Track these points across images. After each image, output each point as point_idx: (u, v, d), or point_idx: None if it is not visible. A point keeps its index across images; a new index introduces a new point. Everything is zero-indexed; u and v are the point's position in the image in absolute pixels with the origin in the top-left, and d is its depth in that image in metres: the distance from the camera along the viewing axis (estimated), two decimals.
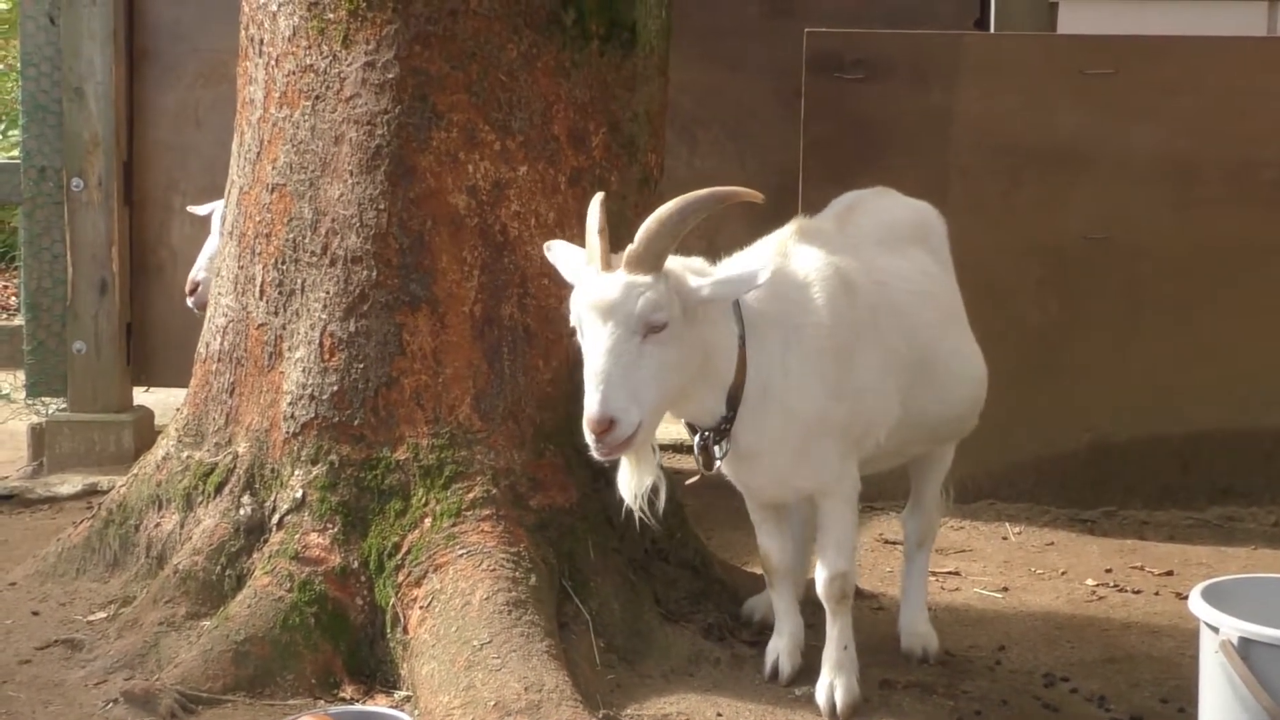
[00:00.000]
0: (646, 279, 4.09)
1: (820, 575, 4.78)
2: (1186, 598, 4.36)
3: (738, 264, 4.62)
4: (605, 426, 4.03)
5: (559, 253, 4.61)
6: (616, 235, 5.71)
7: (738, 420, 4.48)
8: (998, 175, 7.38)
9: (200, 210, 7.33)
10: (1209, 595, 4.29)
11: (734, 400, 4.43)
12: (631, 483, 4.50)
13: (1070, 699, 5.09)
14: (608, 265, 4.18)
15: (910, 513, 5.53)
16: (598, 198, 4.40)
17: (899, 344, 4.81)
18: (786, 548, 5.04)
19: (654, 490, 4.52)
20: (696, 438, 4.59)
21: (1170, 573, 6.39)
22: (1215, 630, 4.15)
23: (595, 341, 4.08)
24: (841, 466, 4.71)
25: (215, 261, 6.33)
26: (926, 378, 4.92)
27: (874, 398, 4.72)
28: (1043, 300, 7.35)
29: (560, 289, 5.55)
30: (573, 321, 4.24)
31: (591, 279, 4.17)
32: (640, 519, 4.65)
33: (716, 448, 4.53)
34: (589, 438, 4.07)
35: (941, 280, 5.31)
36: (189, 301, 6.99)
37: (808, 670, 4.99)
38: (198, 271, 7.00)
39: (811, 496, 4.83)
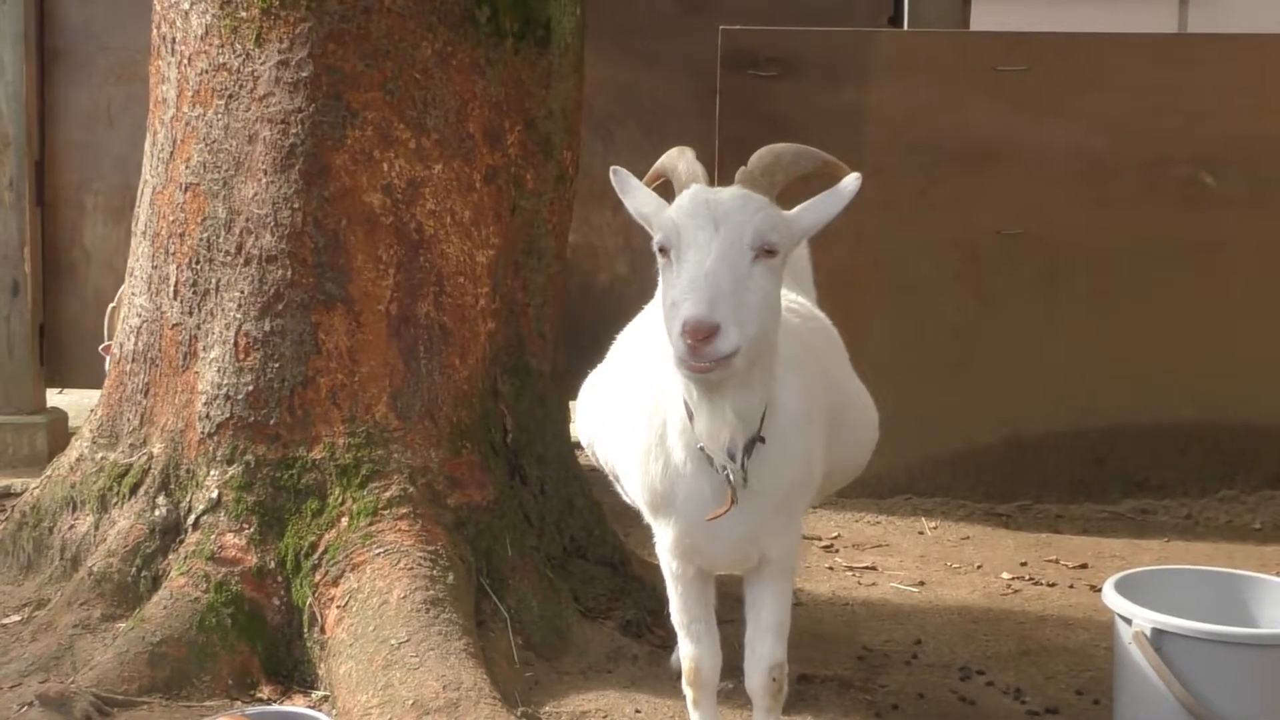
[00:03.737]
0: (764, 197, 3.70)
1: (756, 666, 4.21)
2: (1100, 590, 4.40)
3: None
4: (709, 331, 3.43)
5: (633, 190, 4.08)
6: (530, 234, 5.74)
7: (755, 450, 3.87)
8: (912, 172, 7.44)
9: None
10: (1122, 587, 4.34)
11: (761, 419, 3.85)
12: (714, 428, 3.79)
13: (986, 692, 5.13)
14: (706, 184, 3.80)
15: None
16: (686, 154, 4.02)
17: (823, 392, 4.26)
18: (718, 655, 4.34)
19: (741, 447, 3.84)
20: (729, 461, 3.82)
21: (1085, 565, 6.45)
22: (1129, 622, 4.20)
23: (701, 249, 3.55)
24: (797, 532, 4.27)
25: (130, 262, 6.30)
26: (839, 427, 4.37)
27: (820, 450, 4.21)
28: (958, 296, 7.41)
29: (477, 287, 5.58)
30: (660, 239, 3.68)
31: (699, 192, 3.71)
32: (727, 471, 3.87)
33: (744, 462, 3.84)
34: (680, 347, 3.47)
35: (827, 325, 4.83)
36: (107, 367, 6.95)
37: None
38: (112, 337, 6.94)
39: (754, 571, 4.21)
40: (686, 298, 3.47)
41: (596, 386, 4.82)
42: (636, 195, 4.02)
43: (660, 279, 3.73)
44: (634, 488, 4.22)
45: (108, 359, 6.53)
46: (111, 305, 6.80)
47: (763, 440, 3.82)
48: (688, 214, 3.63)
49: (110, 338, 6.87)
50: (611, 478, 4.70)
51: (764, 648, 4.20)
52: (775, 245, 3.63)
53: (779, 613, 4.21)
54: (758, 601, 4.23)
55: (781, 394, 3.90)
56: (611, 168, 4.16)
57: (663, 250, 3.66)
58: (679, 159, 3.95)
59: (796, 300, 4.57)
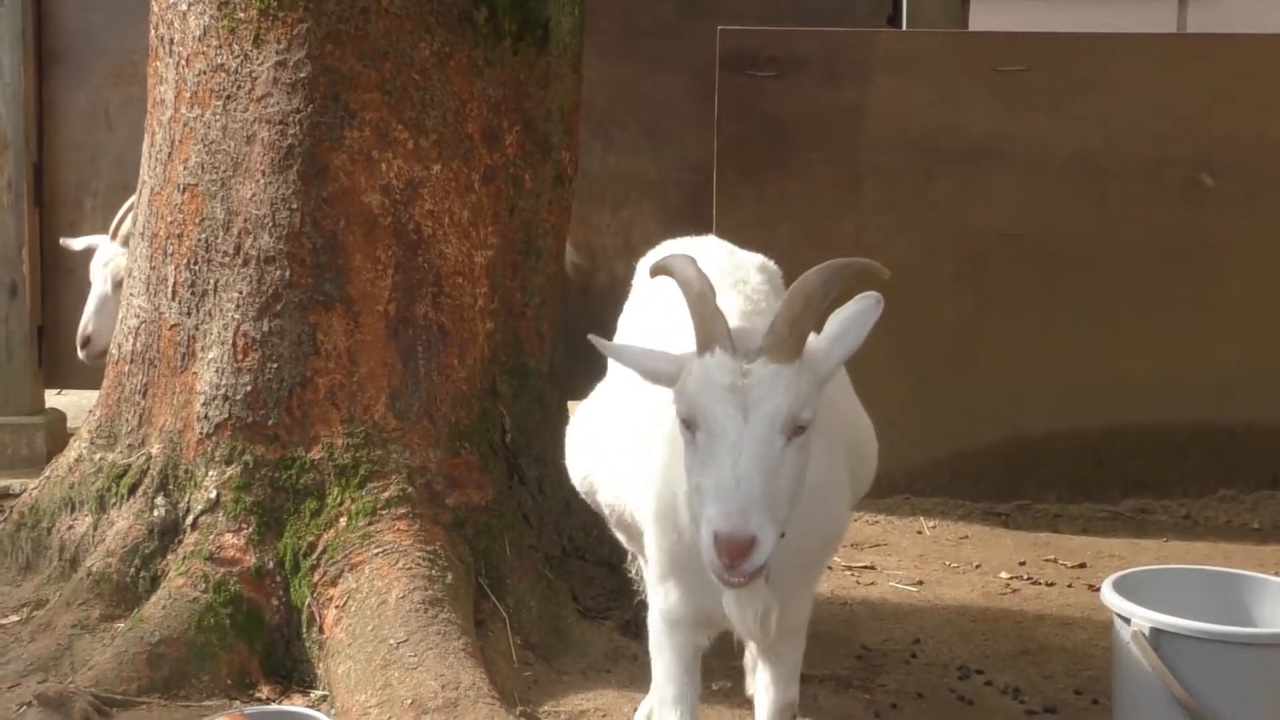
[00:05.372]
0: (793, 367, 3.27)
1: (770, 707, 3.98)
2: (1099, 589, 4.41)
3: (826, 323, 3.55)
4: (745, 547, 3.10)
5: (622, 351, 3.63)
6: (528, 234, 5.74)
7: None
8: (911, 172, 7.44)
9: (74, 244, 7.28)
10: (1121, 587, 4.35)
11: None
12: (749, 609, 3.57)
13: (985, 691, 5.14)
14: (733, 347, 3.30)
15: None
16: (686, 260, 3.52)
17: (841, 436, 3.92)
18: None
19: (767, 612, 3.61)
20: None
21: (1083, 565, 6.46)
22: (1128, 621, 4.20)
23: (729, 441, 3.17)
24: (813, 593, 3.97)
25: (105, 320, 6.36)
26: (855, 463, 4.05)
27: (844, 502, 3.91)
28: (958, 296, 7.41)
29: (475, 287, 5.59)
30: (683, 412, 3.30)
31: (722, 365, 3.27)
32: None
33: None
34: (714, 562, 3.14)
35: None
36: (81, 354, 6.95)
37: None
38: (86, 325, 6.95)
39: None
40: (716, 505, 3.13)
41: (588, 421, 4.48)
42: (635, 358, 3.54)
43: (684, 448, 3.34)
44: (650, 549, 3.82)
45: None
46: (127, 204, 6.76)
47: (782, 535, 3.30)
48: (713, 398, 3.24)
49: (115, 235, 6.89)
50: (611, 524, 4.37)
51: (778, 689, 3.96)
52: (808, 421, 3.28)
53: (795, 659, 3.97)
54: (776, 652, 3.93)
55: (816, 475, 3.48)
56: (590, 336, 3.67)
57: (684, 421, 3.31)
58: (689, 271, 3.45)
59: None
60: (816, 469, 3.46)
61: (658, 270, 3.67)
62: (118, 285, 6.60)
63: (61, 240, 7.47)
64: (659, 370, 3.45)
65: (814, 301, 3.34)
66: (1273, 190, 7.38)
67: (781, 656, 3.94)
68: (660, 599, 3.87)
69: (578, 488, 4.57)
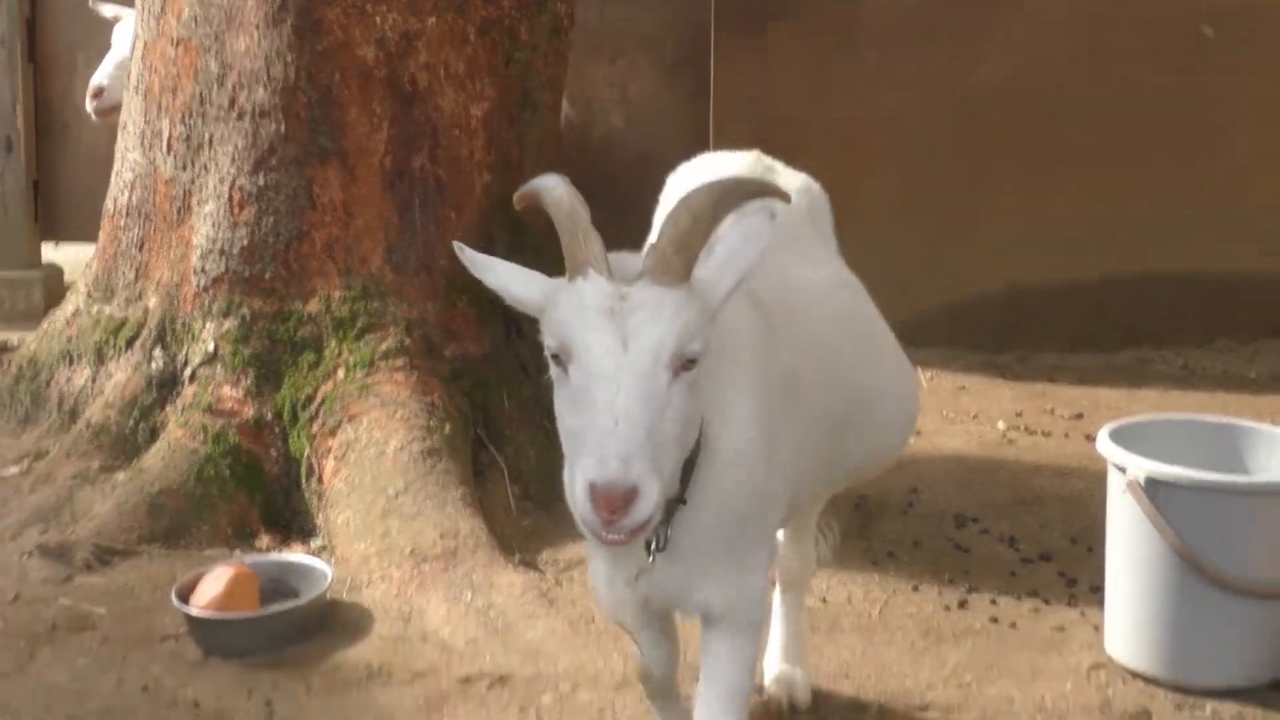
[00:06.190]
0: (679, 291, 2.78)
1: None
2: (1095, 439, 4.41)
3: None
4: (626, 498, 2.62)
5: (488, 265, 3.08)
6: (524, 87, 5.70)
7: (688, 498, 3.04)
8: (910, 33, 7.38)
9: (105, 10, 7.24)
10: (1117, 436, 4.35)
11: (688, 468, 2.98)
12: (618, 574, 3.18)
13: (981, 539, 5.17)
14: (608, 270, 2.82)
15: (785, 548, 4.11)
16: (556, 180, 2.99)
17: (826, 395, 3.46)
18: (674, 658, 3.60)
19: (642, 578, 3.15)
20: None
21: (1080, 415, 6.47)
22: (1123, 470, 4.21)
23: (606, 376, 2.70)
24: (757, 578, 3.29)
25: (120, 79, 6.31)
26: (854, 429, 3.62)
27: (795, 475, 3.39)
28: (958, 151, 7.38)
29: (472, 140, 5.56)
30: (552, 344, 2.82)
31: (597, 288, 2.79)
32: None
33: (655, 543, 3.05)
34: (589, 518, 2.66)
35: (853, 286, 4.00)
36: (89, 106, 6.89)
37: None
38: (101, 78, 6.90)
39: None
40: (592, 451, 2.66)
41: None
42: (500, 275, 3.02)
43: (555, 388, 2.87)
44: None
45: None
46: None
47: (684, 503, 2.98)
48: (586, 325, 2.75)
49: None
50: None
51: (710, 712, 3.24)
52: (697, 354, 2.78)
53: (733, 676, 3.27)
54: (708, 658, 3.28)
55: (721, 434, 3.04)
56: (454, 244, 3.22)
57: (554, 357, 2.83)
58: (557, 189, 2.94)
59: (796, 273, 3.66)
60: (743, 432, 3.07)
61: (522, 200, 3.14)
62: None
63: (90, 2, 7.42)
64: (524, 295, 2.95)
65: (702, 221, 2.83)
66: (1274, 41, 7.32)
67: (718, 667, 3.26)
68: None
69: None
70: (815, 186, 4.15)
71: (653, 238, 2.98)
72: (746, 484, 3.11)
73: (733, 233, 2.90)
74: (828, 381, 3.45)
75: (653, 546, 3.01)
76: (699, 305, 2.79)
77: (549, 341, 2.83)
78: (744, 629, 3.26)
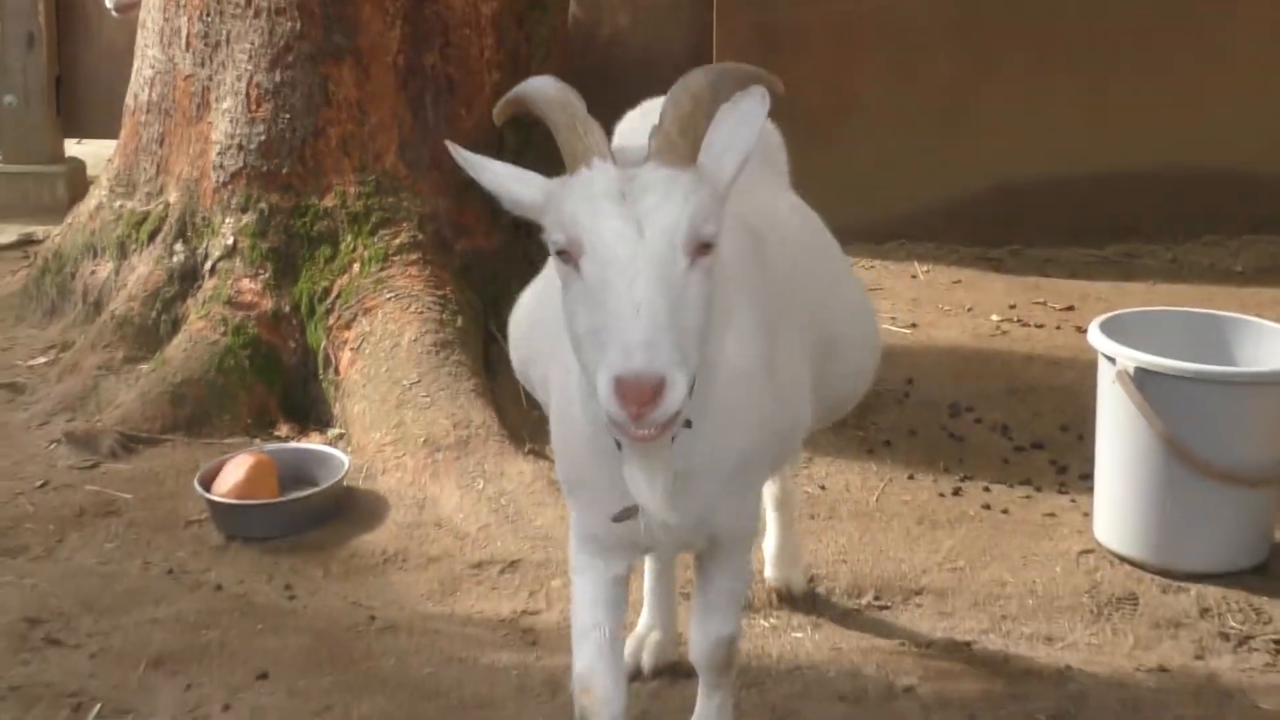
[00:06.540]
0: (689, 172, 2.57)
1: (704, 639, 3.27)
2: (1086, 331, 4.42)
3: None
4: (655, 389, 2.41)
5: (484, 165, 2.83)
6: None
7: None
8: None
9: None
10: (1107, 328, 4.36)
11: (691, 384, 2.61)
12: (657, 480, 2.79)
13: (975, 428, 5.19)
14: (612, 156, 2.61)
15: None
16: (544, 79, 2.77)
17: (807, 321, 3.29)
18: (619, 676, 3.20)
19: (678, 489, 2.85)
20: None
21: (1071, 308, 6.46)
22: (1113, 361, 4.22)
23: (624, 262, 2.49)
24: (755, 498, 3.31)
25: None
26: (831, 357, 3.42)
27: (798, 399, 3.26)
28: (952, 48, 7.31)
29: (482, 38, 5.54)
30: (560, 240, 2.57)
31: (605, 175, 2.56)
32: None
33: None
34: (617, 413, 2.44)
35: (815, 221, 3.74)
36: (109, 2, 6.80)
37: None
38: None
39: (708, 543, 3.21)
40: (615, 343, 2.45)
41: (524, 307, 3.65)
42: (497, 174, 2.79)
43: (561, 284, 2.65)
44: (554, 448, 3.23)
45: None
46: None
47: (688, 424, 2.70)
48: (598, 213, 2.53)
49: None
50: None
51: (713, 621, 3.24)
52: (713, 237, 2.57)
53: (731, 583, 3.23)
54: (707, 572, 3.24)
55: (720, 355, 2.81)
56: (448, 144, 2.94)
57: (563, 254, 2.58)
58: (547, 88, 2.73)
59: (766, 201, 3.46)
60: (745, 353, 2.89)
61: (506, 108, 2.97)
62: None
63: None
64: (522, 195, 2.72)
65: (703, 103, 2.63)
66: None
67: (716, 578, 3.22)
68: (573, 520, 3.20)
69: (519, 378, 3.75)
70: (769, 124, 3.39)
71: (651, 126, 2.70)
72: (748, 411, 2.94)
73: (729, 116, 2.70)
74: (807, 302, 3.30)
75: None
76: (712, 194, 2.60)
77: (556, 237, 2.57)
78: (742, 546, 3.22)
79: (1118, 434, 4.26)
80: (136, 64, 5.95)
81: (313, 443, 4.98)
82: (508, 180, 2.75)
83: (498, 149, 5.52)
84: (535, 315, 3.46)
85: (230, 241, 5.42)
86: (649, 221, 2.50)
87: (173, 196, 5.64)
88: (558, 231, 2.56)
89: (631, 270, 2.47)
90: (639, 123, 3.61)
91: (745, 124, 2.69)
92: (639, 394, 2.40)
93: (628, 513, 2.89)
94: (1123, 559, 4.28)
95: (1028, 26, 7.28)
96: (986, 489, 4.77)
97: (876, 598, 4.11)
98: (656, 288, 2.46)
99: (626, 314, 2.44)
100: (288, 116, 5.42)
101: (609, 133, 2.83)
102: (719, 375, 2.78)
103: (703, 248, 2.54)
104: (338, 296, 5.27)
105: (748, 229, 3.07)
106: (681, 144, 2.59)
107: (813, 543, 4.36)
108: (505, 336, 5.19)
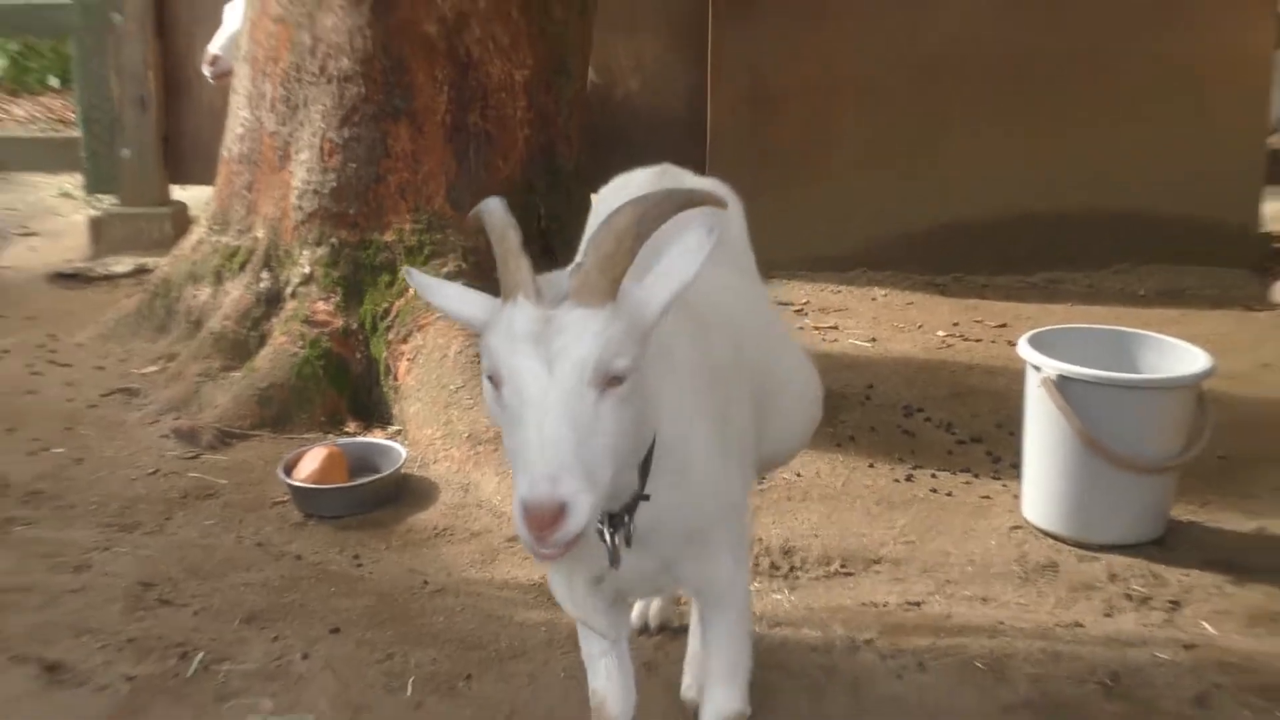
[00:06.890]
0: (603, 311, 2.31)
1: (712, 715, 2.90)
2: (1016, 344, 4.42)
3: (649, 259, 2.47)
4: (555, 515, 2.21)
5: (437, 288, 2.59)
6: (559, 55, 5.70)
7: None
8: (870, 5, 7.28)
9: None
10: (1034, 342, 4.37)
11: (645, 465, 2.54)
12: (577, 579, 2.74)
13: (924, 426, 5.19)
14: (537, 294, 2.34)
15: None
16: (495, 203, 2.49)
17: (747, 384, 3.00)
18: (630, 692, 2.99)
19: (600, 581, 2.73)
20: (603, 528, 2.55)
21: (1004, 325, 6.45)
22: (1038, 370, 4.24)
23: (534, 399, 2.28)
24: (736, 561, 2.87)
25: (231, 49, 6.29)
26: (769, 413, 3.13)
27: (748, 469, 3.01)
28: (909, 106, 7.30)
29: (516, 100, 5.57)
30: (488, 368, 2.37)
31: (524, 314, 2.32)
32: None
33: (617, 535, 2.56)
34: (523, 534, 2.24)
35: (754, 291, 3.45)
36: (206, 71, 6.81)
37: None
38: (215, 47, 6.81)
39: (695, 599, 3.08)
40: (523, 472, 2.24)
41: None
42: (445, 296, 2.56)
43: (491, 408, 2.42)
44: None
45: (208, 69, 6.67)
46: None
47: (646, 498, 2.55)
48: (514, 351, 2.30)
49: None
50: None
51: (717, 695, 2.89)
52: (625, 371, 2.31)
53: (731, 653, 2.89)
54: (707, 640, 2.93)
55: (674, 429, 2.59)
56: (404, 269, 2.98)
57: (491, 378, 2.37)
58: (496, 212, 2.45)
59: (709, 284, 2.80)
60: (680, 424, 2.61)
61: (470, 219, 2.60)
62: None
63: None
64: (468, 315, 2.49)
65: (626, 240, 2.34)
66: (1164, 10, 7.21)
67: (713, 645, 2.91)
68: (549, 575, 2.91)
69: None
70: (724, 187, 3.44)
71: (579, 257, 2.52)
72: (705, 473, 2.69)
73: (674, 247, 2.44)
74: (748, 366, 3.00)
75: (615, 542, 2.54)
76: (625, 323, 2.33)
77: (485, 363, 2.38)
78: (731, 607, 2.87)
79: (1042, 430, 4.28)
80: (229, 123, 5.97)
81: (376, 437, 5.00)
82: (454, 302, 2.52)
83: (530, 191, 5.58)
84: None
85: (307, 270, 5.44)
86: (558, 361, 2.27)
87: (260, 233, 5.66)
88: (486, 358, 2.37)
89: (542, 407, 2.26)
90: (611, 198, 3.37)
91: (685, 259, 2.42)
92: (540, 520, 2.20)
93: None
94: (1046, 533, 4.29)
95: (974, 92, 7.27)
96: (934, 475, 4.77)
97: (843, 566, 4.12)
98: (563, 423, 2.25)
99: (534, 445, 2.24)
100: (354, 166, 5.44)
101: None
102: (665, 447, 2.55)
103: (614, 380, 2.31)
104: (396, 316, 5.28)
105: (687, 309, 2.68)
106: (600, 282, 2.32)
107: (789, 520, 4.38)
108: None
